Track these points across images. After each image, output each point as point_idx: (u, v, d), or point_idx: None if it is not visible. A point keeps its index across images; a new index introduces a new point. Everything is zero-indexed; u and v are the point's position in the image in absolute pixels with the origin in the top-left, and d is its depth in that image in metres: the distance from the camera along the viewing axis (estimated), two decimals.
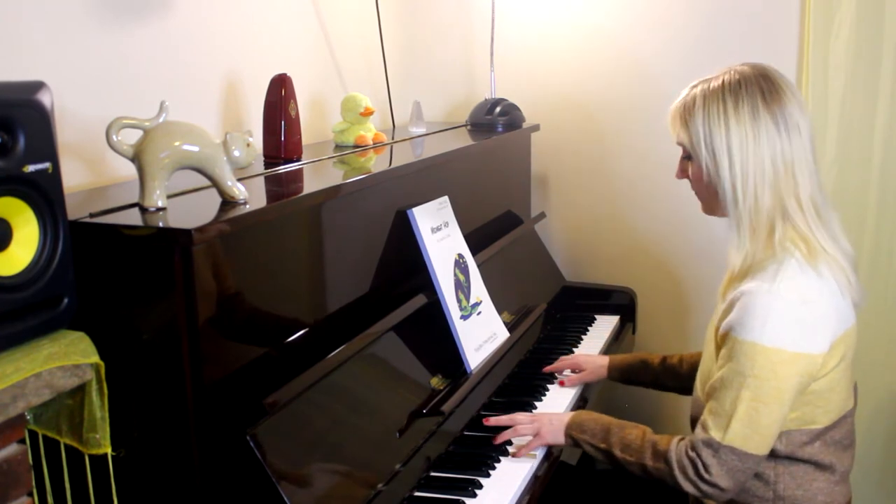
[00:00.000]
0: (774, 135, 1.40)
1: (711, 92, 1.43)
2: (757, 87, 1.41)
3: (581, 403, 1.88)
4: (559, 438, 1.59)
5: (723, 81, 1.43)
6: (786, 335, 1.35)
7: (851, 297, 1.44)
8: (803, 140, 1.42)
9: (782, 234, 1.41)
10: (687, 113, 1.44)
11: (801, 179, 1.41)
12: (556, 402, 1.84)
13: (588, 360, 1.95)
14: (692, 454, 1.42)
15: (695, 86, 1.47)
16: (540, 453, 1.60)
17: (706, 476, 1.39)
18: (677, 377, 1.83)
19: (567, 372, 1.96)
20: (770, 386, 1.36)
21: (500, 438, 1.61)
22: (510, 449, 1.61)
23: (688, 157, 1.48)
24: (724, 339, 1.43)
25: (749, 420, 1.37)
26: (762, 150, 1.40)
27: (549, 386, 1.91)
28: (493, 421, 1.65)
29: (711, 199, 1.47)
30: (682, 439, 1.46)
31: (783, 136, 1.40)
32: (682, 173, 1.52)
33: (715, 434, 1.39)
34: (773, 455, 1.45)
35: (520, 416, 1.65)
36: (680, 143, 1.49)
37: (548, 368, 1.96)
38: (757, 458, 1.40)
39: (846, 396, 1.48)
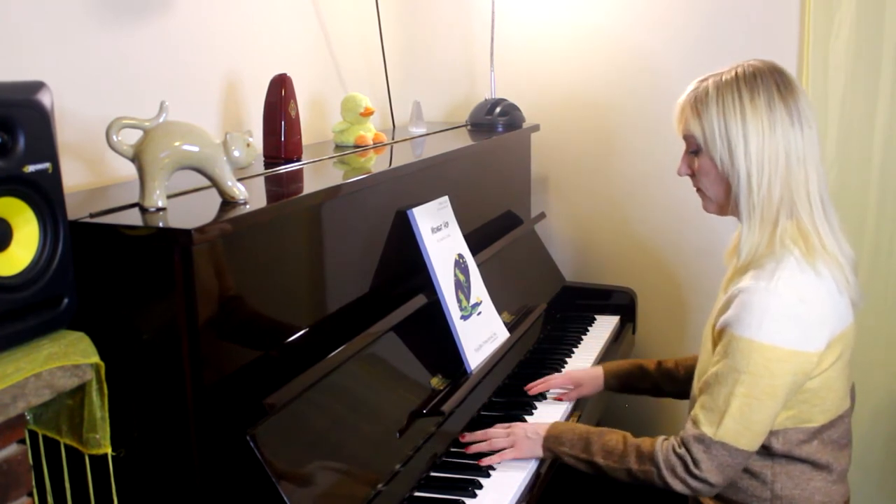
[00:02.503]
0: (788, 127, 1.40)
1: (725, 83, 1.42)
2: (772, 79, 1.42)
3: (581, 405, 1.87)
4: (537, 451, 1.56)
5: (736, 73, 1.43)
6: (782, 333, 1.35)
7: (849, 295, 1.44)
8: (813, 135, 1.42)
9: (783, 230, 1.41)
10: (699, 103, 1.43)
11: (811, 174, 1.41)
12: (556, 404, 1.84)
13: (584, 375, 1.88)
14: (681, 451, 1.41)
15: (704, 79, 1.46)
16: None
17: (696, 472, 1.39)
18: (675, 381, 1.81)
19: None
20: (764, 383, 1.36)
21: (474, 449, 1.56)
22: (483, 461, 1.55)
23: (694, 151, 1.48)
24: (720, 335, 1.43)
25: (742, 416, 1.37)
26: (777, 141, 1.40)
27: None
28: (469, 437, 1.60)
29: (720, 193, 1.47)
30: (665, 439, 1.45)
31: (797, 128, 1.40)
32: (688, 169, 1.51)
33: (707, 430, 1.39)
34: (770, 454, 1.45)
35: (494, 431, 1.60)
36: (688, 136, 1.47)
37: (538, 388, 1.85)
38: (747, 454, 1.40)
39: (843, 395, 1.48)
